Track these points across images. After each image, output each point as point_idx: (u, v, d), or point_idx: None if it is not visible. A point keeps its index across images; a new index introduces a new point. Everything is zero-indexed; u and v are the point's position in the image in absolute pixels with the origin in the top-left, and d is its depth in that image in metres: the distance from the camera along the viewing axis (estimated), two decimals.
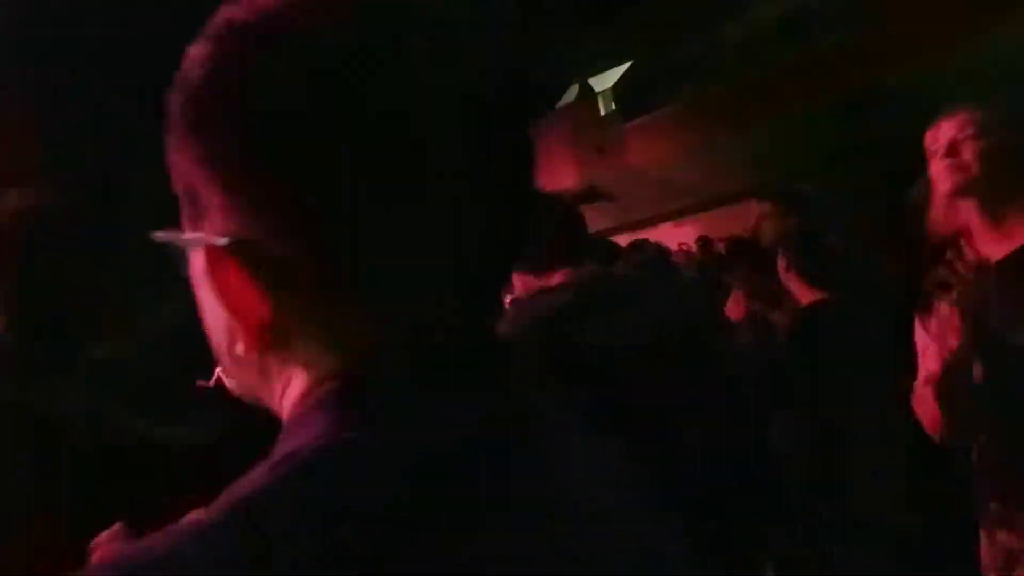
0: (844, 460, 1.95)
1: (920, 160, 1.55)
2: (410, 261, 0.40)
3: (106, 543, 0.82)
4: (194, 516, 0.37)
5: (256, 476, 0.38)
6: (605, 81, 12.39)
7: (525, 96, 0.44)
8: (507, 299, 1.74)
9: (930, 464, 1.74)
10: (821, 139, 8.45)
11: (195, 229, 0.43)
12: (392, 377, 0.41)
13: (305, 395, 0.42)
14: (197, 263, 0.44)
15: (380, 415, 0.40)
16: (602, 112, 12.33)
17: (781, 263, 2.17)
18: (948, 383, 1.39)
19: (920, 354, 1.49)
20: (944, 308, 1.45)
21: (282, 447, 0.40)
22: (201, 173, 0.40)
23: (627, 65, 12.03)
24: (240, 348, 0.42)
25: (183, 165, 0.42)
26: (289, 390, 0.43)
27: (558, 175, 10.80)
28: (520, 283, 1.64)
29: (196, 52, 0.42)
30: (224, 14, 0.42)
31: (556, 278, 1.55)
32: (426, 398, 0.41)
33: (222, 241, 0.40)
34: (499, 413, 0.43)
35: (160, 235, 0.45)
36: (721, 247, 4.44)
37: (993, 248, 1.44)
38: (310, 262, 0.39)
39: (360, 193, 0.38)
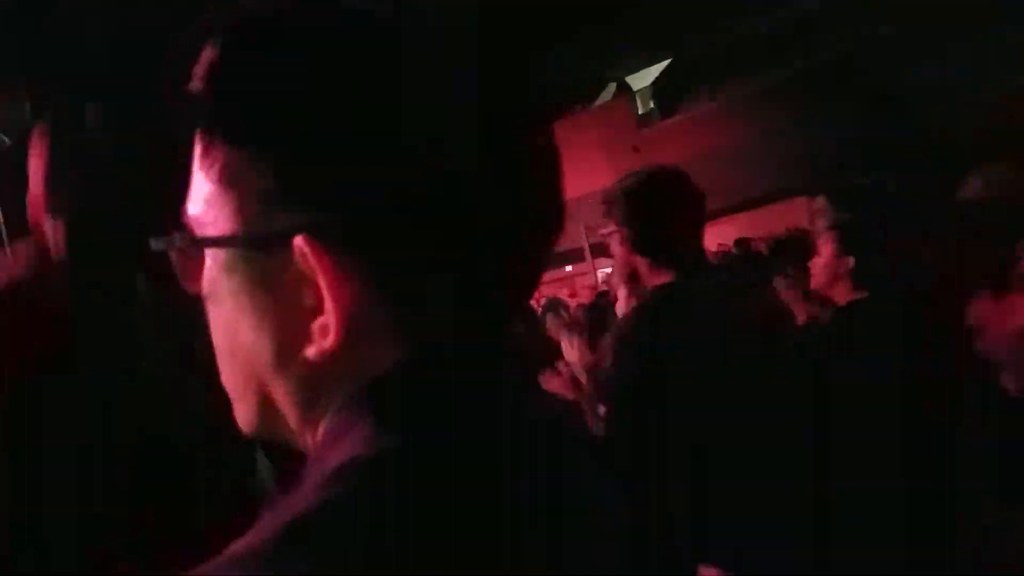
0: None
1: (967, 154, 1.50)
2: (454, 260, 0.40)
3: None
4: (247, 540, 0.35)
5: (306, 495, 0.37)
6: (641, 79, 12.30)
7: (540, 100, 0.44)
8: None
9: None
10: (861, 135, 8.28)
11: (238, 227, 0.41)
12: (433, 381, 0.41)
13: (349, 400, 0.41)
14: (227, 270, 0.42)
15: (426, 421, 0.39)
16: (639, 111, 12.25)
17: (828, 261, 2.11)
18: None
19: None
20: None
21: (327, 459, 0.39)
22: (258, 166, 0.39)
23: (664, 63, 11.92)
24: (323, 345, 0.39)
25: (231, 160, 0.40)
26: (331, 399, 0.41)
27: (594, 175, 10.74)
28: (645, 269, 1.59)
29: (239, 49, 0.41)
30: (240, 12, 0.41)
31: (664, 274, 1.54)
32: (467, 403, 0.41)
33: (317, 225, 0.38)
34: (526, 418, 0.44)
35: (201, 238, 0.42)
36: (761, 247, 4.38)
37: None
38: (382, 253, 0.39)
39: (428, 187, 0.38)
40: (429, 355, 0.40)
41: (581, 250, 10.31)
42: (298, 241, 0.38)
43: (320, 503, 0.36)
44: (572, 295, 7.91)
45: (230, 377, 0.45)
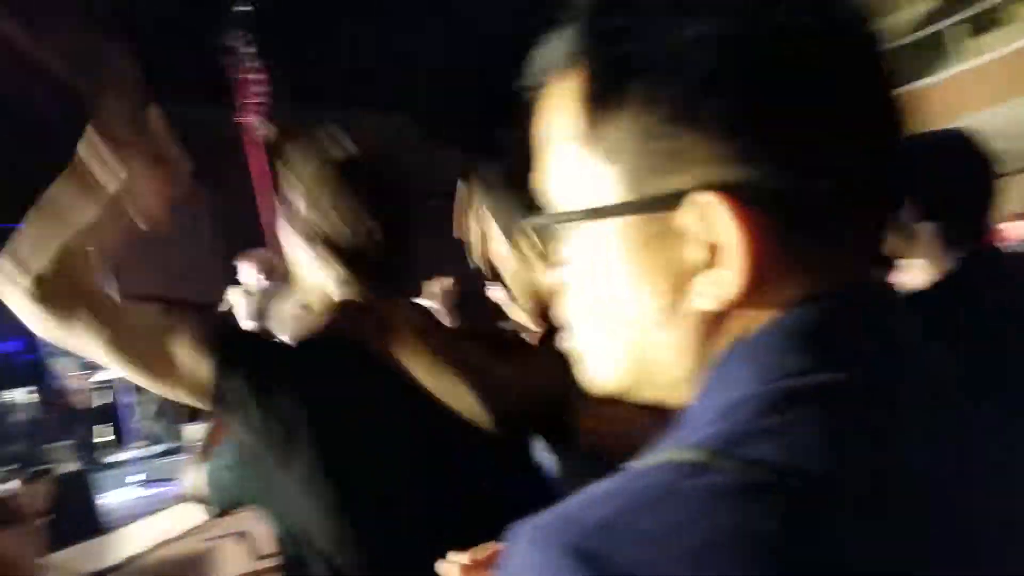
0: None
1: None
2: (852, 201, 0.41)
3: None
4: (658, 456, 0.36)
5: (714, 417, 0.38)
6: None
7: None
8: None
9: None
10: None
11: (626, 195, 0.41)
12: (847, 319, 0.40)
13: (754, 335, 0.40)
14: (605, 239, 0.43)
15: (849, 357, 0.39)
16: None
17: None
18: None
19: None
20: None
21: (720, 390, 0.40)
22: (667, 130, 0.39)
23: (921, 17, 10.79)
24: (720, 296, 0.40)
25: (614, 133, 0.41)
26: (720, 340, 0.41)
27: None
28: (929, 237, 1.40)
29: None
30: None
31: (952, 244, 1.39)
32: (877, 345, 0.41)
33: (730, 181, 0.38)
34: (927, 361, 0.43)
35: (590, 209, 0.42)
36: None
37: None
38: (801, 197, 0.39)
39: (829, 126, 0.39)
40: (834, 295, 0.41)
41: None
42: (700, 197, 0.39)
43: (744, 423, 0.36)
44: None
45: (593, 335, 0.47)
